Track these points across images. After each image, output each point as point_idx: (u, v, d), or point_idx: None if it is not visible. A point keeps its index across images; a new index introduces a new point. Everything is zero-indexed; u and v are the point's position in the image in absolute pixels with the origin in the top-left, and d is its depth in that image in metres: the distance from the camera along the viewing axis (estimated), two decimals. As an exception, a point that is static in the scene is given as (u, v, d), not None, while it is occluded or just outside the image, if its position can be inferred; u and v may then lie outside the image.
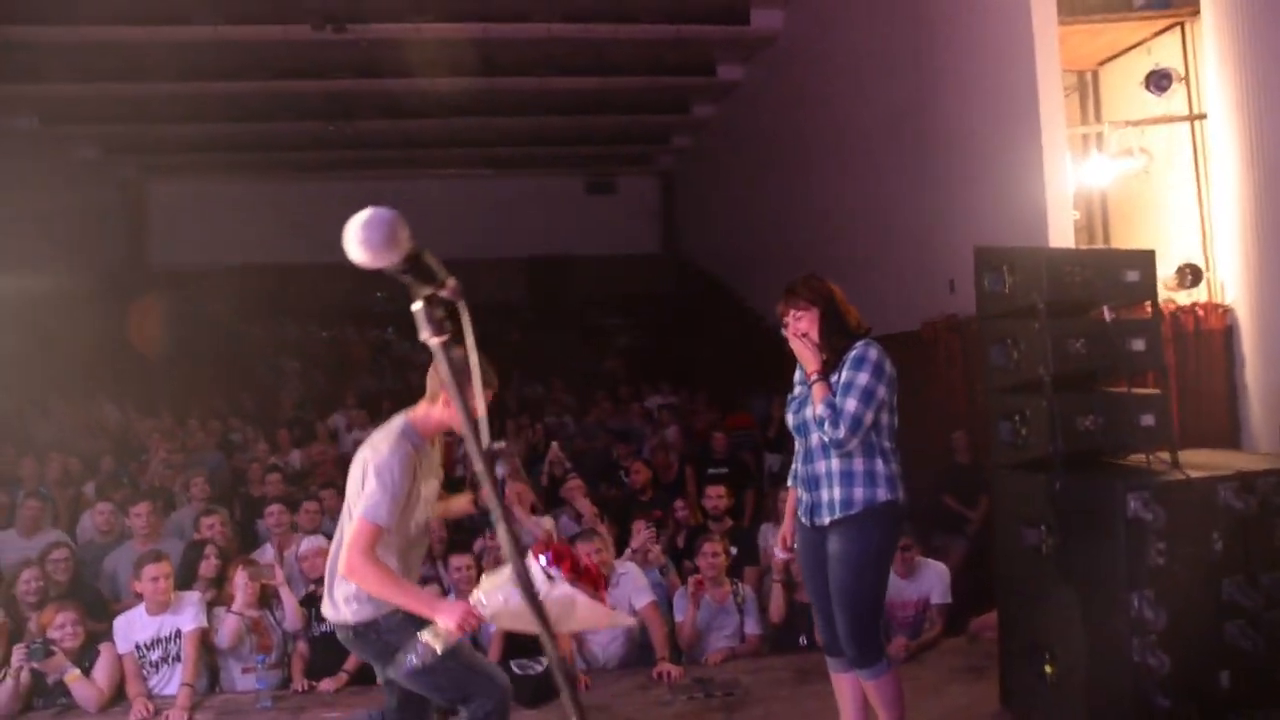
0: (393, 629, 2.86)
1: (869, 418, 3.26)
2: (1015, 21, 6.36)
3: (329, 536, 4.95)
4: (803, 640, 4.79)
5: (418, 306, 1.24)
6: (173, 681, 4.43)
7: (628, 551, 5.34)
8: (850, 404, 3.24)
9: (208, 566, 4.85)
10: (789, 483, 3.61)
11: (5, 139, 12.61)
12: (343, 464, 9.24)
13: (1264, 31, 5.38)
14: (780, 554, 3.79)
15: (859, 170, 9.59)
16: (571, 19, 11.00)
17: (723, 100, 14.09)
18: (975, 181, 7.06)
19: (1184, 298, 6.03)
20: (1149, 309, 4.03)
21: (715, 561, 4.82)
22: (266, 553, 5.47)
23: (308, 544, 4.97)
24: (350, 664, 4.48)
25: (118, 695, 4.42)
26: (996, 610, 4.14)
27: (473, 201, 16.95)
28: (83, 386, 11.92)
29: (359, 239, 1.21)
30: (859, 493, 3.26)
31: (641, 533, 5.29)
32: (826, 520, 3.30)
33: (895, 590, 4.94)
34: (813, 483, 3.37)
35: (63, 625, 4.35)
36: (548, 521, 3.28)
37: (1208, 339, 5.71)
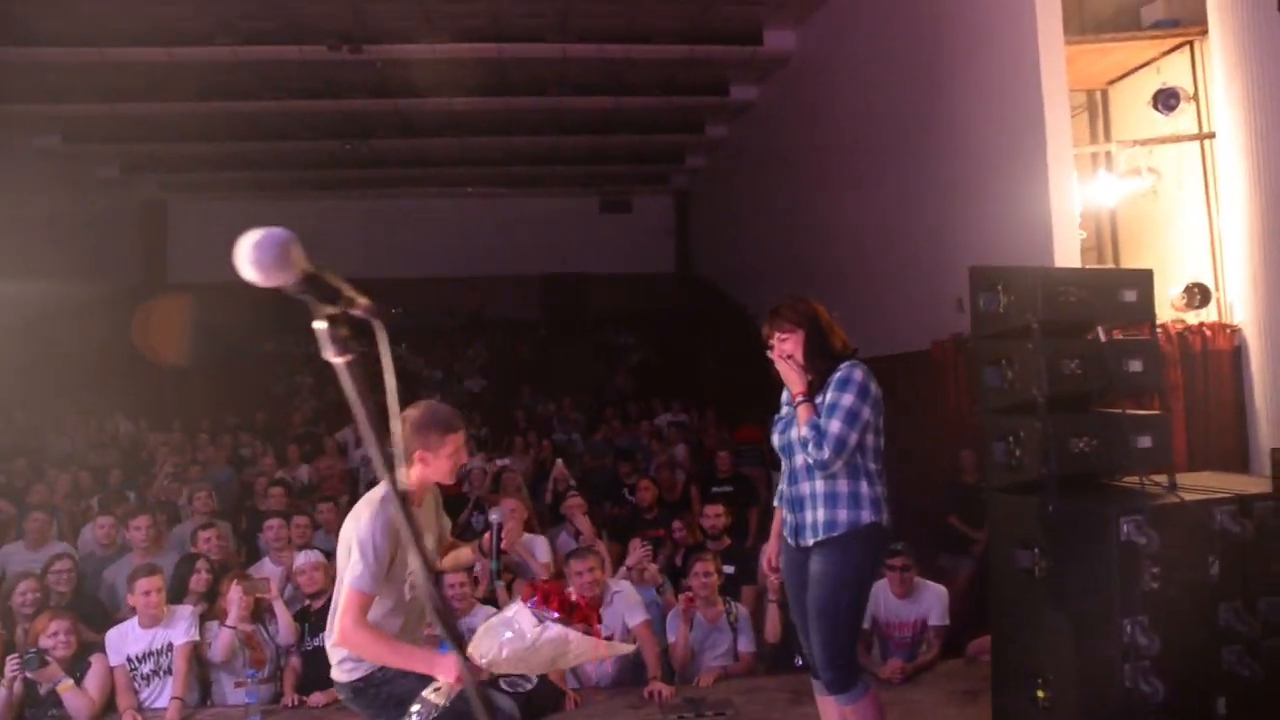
0: (389, 679, 2.86)
1: (853, 439, 3.23)
2: (1022, 41, 6.34)
3: (324, 551, 4.99)
4: (798, 661, 4.73)
5: (320, 325, 1.23)
6: (164, 695, 4.43)
7: (622, 569, 5.32)
8: (835, 426, 3.22)
9: (198, 581, 4.86)
10: (775, 503, 3.58)
11: (28, 157, 12.85)
12: (349, 479, 9.33)
13: (1273, 50, 5.34)
14: (768, 573, 3.73)
15: (870, 190, 9.57)
16: (585, 39, 11.09)
17: (736, 120, 14.14)
18: (982, 200, 7.03)
19: (1193, 318, 5.95)
20: (1147, 329, 3.97)
21: (708, 581, 4.78)
22: (265, 567, 5.48)
23: (303, 559, 4.97)
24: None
25: (108, 707, 4.42)
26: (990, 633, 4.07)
27: (487, 219, 17.06)
28: (98, 400, 12.08)
29: (249, 259, 1.20)
30: (843, 514, 3.23)
31: (637, 551, 5.26)
32: (810, 541, 3.27)
33: (893, 610, 4.90)
34: (797, 504, 3.34)
35: (55, 634, 4.37)
36: (495, 514, 3.24)
37: (1216, 359, 5.63)
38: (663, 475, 8.00)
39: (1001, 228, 6.56)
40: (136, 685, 4.47)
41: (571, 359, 15.76)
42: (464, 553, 3.33)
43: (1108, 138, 7.02)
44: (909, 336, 8.31)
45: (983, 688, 4.19)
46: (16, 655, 4.34)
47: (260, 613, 4.79)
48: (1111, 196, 6.41)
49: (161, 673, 4.49)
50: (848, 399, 3.24)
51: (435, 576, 1.29)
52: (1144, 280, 3.85)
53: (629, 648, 3.51)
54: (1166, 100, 6.12)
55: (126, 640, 4.49)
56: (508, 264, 16.89)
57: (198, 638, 4.56)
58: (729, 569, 5.32)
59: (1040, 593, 3.64)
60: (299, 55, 10.91)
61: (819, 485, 3.27)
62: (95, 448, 10.10)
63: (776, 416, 3.54)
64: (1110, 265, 6.78)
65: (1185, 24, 6.35)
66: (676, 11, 10.52)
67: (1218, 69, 5.78)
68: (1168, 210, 6.56)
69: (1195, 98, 6.34)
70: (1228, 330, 5.67)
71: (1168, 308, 6.10)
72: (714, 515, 5.69)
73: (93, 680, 4.45)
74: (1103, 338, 3.59)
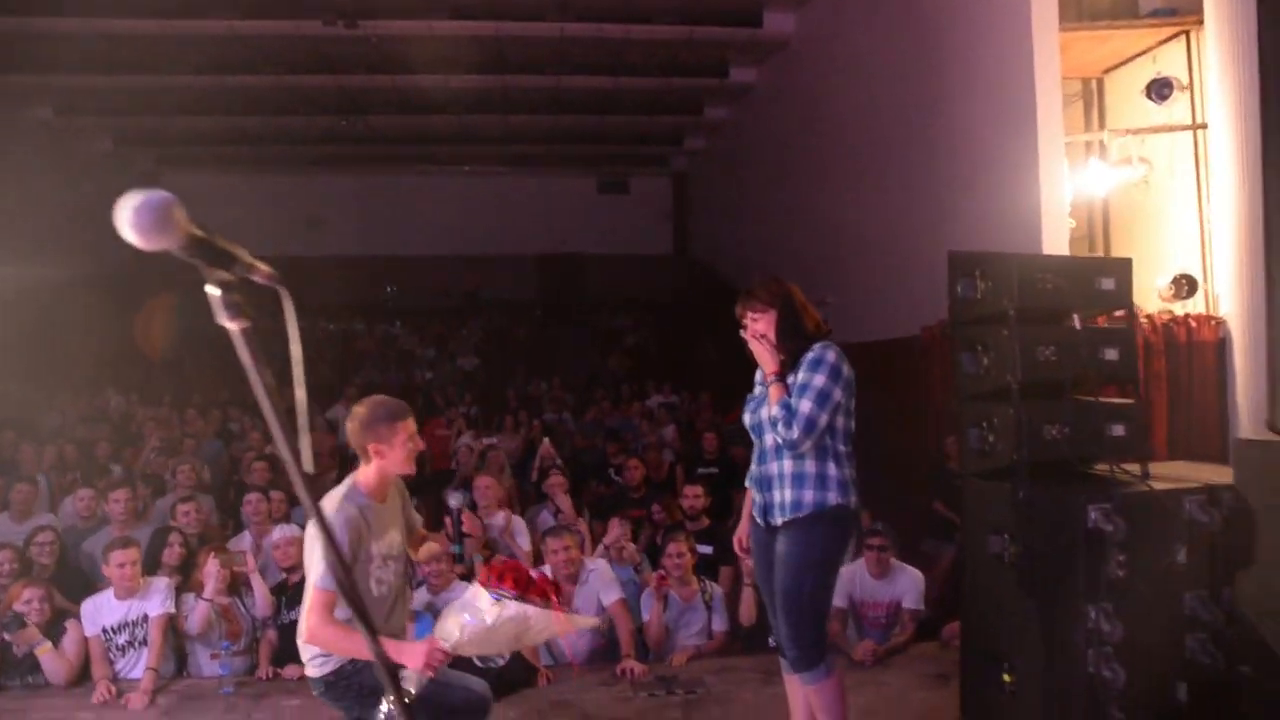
0: (359, 671, 2.90)
1: (823, 420, 3.22)
2: (1016, 28, 6.30)
3: (302, 526, 5.00)
4: (771, 641, 4.75)
5: (213, 291, 1.21)
6: (139, 665, 4.45)
7: (599, 548, 5.33)
8: (805, 406, 3.20)
9: (170, 554, 4.87)
10: (746, 483, 3.58)
11: (21, 129, 12.78)
12: (340, 454, 9.34)
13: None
14: (739, 554, 3.73)
15: (866, 174, 9.54)
16: (584, 18, 11.03)
17: (735, 103, 14.07)
18: (975, 187, 7.00)
19: (1180, 309, 5.94)
20: (1125, 318, 3.95)
21: (681, 561, 4.80)
22: (245, 540, 5.50)
23: (278, 533, 4.98)
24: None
25: (83, 675, 4.45)
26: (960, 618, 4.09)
27: (484, 199, 17.01)
28: (92, 375, 12.07)
29: (129, 222, 1.17)
30: (809, 495, 3.22)
31: (615, 529, 5.27)
32: (778, 521, 3.27)
33: (868, 590, 4.92)
34: (766, 483, 3.34)
35: (29, 601, 4.40)
36: (453, 499, 3.27)
37: (1200, 351, 5.61)
38: (650, 456, 8.01)
39: (991, 215, 6.53)
40: (112, 656, 4.49)
41: (566, 340, 15.77)
42: (433, 546, 3.34)
43: (1102, 126, 6.98)
44: (900, 322, 8.31)
45: (954, 671, 4.21)
46: None
47: (237, 586, 4.81)
48: (1103, 186, 6.38)
49: (137, 644, 4.51)
50: (819, 380, 3.23)
51: (347, 571, 1.27)
52: (1122, 268, 3.84)
53: (592, 620, 3.53)
54: (1160, 90, 6.09)
55: (101, 611, 4.50)
56: (504, 244, 16.86)
57: (173, 610, 4.57)
58: (707, 549, 5.33)
59: (1010, 578, 3.65)
60: (295, 30, 10.85)
61: (787, 465, 3.27)
62: (85, 421, 10.10)
63: (749, 396, 3.53)
64: (1100, 255, 6.75)
65: (1183, 13, 6.30)
66: (676, -9, 10.47)
67: (1212, 59, 5.73)
68: (1159, 200, 6.53)
69: (1190, 87, 6.30)
70: (1213, 322, 5.66)
71: (1155, 298, 6.09)
72: (693, 496, 5.70)
73: (69, 645, 4.50)
74: (1077, 325, 3.56)
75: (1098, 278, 3.75)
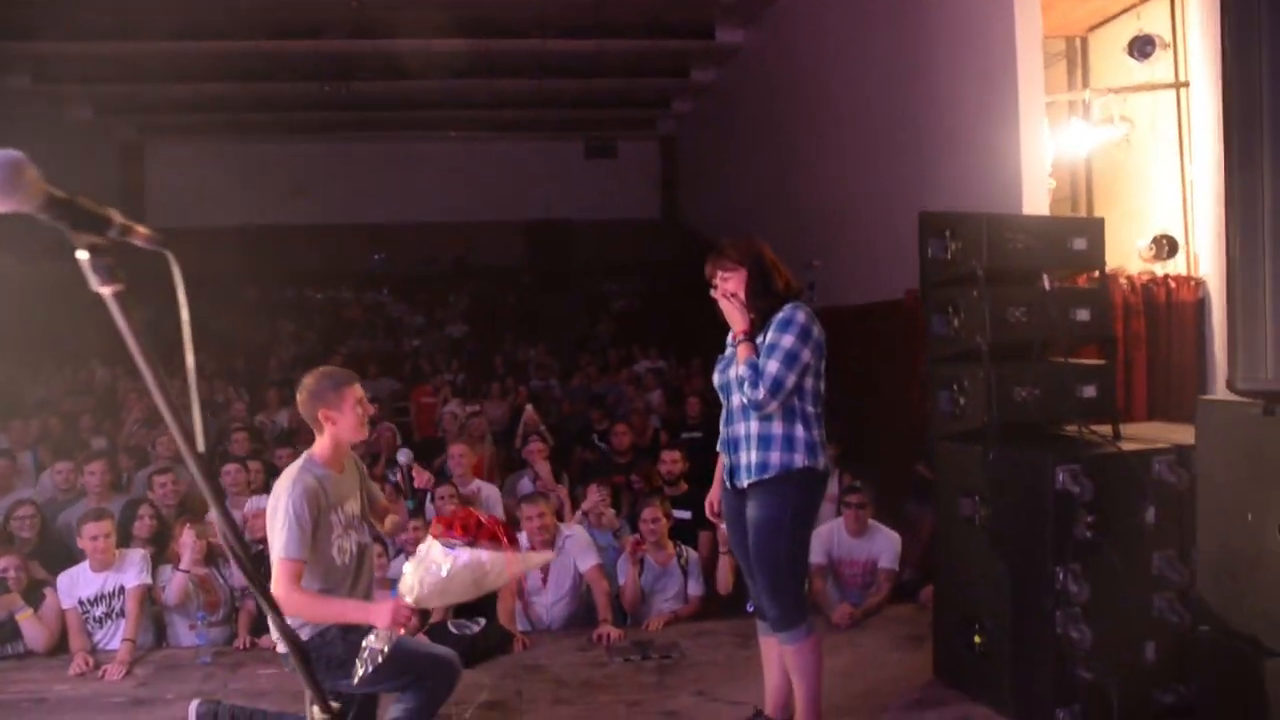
0: (330, 642, 2.94)
1: (791, 381, 3.19)
2: (998, -15, 6.20)
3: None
4: (750, 606, 4.77)
5: (82, 255, 1.17)
6: (116, 637, 4.45)
7: (577, 514, 5.34)
8: (772, 366, 3.17)
9: (141, 526, 4.86)
10: (718, 448, 3.56)
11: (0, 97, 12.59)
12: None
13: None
14: (710, 519, 3.73)
15: (851, 136, 9.45)
16: (567, -21, 10.85)
17: (723, 65, 13.90)
18: (957, 149, 6.93)
19: (1161, 270, 5.91)
20: (1098, 278, 3.93)
21: (655, 527, 4.81)
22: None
23: (252, 504, 4.98)
24: (295, 622, 4.50)
25: (62, 643, 4.46)
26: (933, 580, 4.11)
27: (471, 164, 16.83)
28: (77, 348, 11.99)
29: None
30: (775, 457, 3.20)
31: (593, 495, 5.27)
32: (744, 483, 3.26)
33: (845, 549, 4.95)
34: (732, 445, 3.33)
35: (4, 570, 4.42)
36: (402, 455, 3.33)
37: (1179, 311, 5.59)
38: (635, 421, 8.01)
39: (973, 177, 6.48)
40: (90, 628, 4.50)
41: (555, 306, 15.69)
42: (395, 518, 3.36)
43: (1086, 85, 6.90)
44: (885, 285, 8.27)
45: (929, 633, 4.23)
46: None
47: (215, 556, 4.80)
48: (1084, 146, 6.31)
49: (114, 615, 4.51)
50: (787, 340, 3.20)
51: (236, 532, 1.25)
52: (1095, 228, 3.82)
53: (546, 556, 3.54)
54: (1142, 47, 6.00)
55: (78, 584, 4.50)
56: (492, 210, 16.70)
57: (149, 581, 4.58)
58: (685, 514, 5.33)
59: (980, 540, 3.66)
60: (274, -7, 10.66)
61: (753, 426, 3.24)
62: (70, 394, 10.07)
63: (719, 356, 3.50)
64: (1078, 215, 6.70)
65: (1166, -32, 6.20)
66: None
67: (1194, 16, 5.66)
68: (1141, 160, 6.47)
69: (1174, 45, 6.22)
70: (1192, 282, 5.64)
71: (1137, 259, 6.06)
72: (670, 461, 5.70)
73: (48, 613, 4.52)
74: (1047, 285, 3.54)
75: (1070, 238, 3.73)
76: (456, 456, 5.55)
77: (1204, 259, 5.65)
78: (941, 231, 3.77)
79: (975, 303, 3.59)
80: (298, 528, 2.84)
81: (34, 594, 4.56)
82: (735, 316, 3.33)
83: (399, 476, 3.28)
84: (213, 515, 5.14)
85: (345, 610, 2.95)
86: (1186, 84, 5.99)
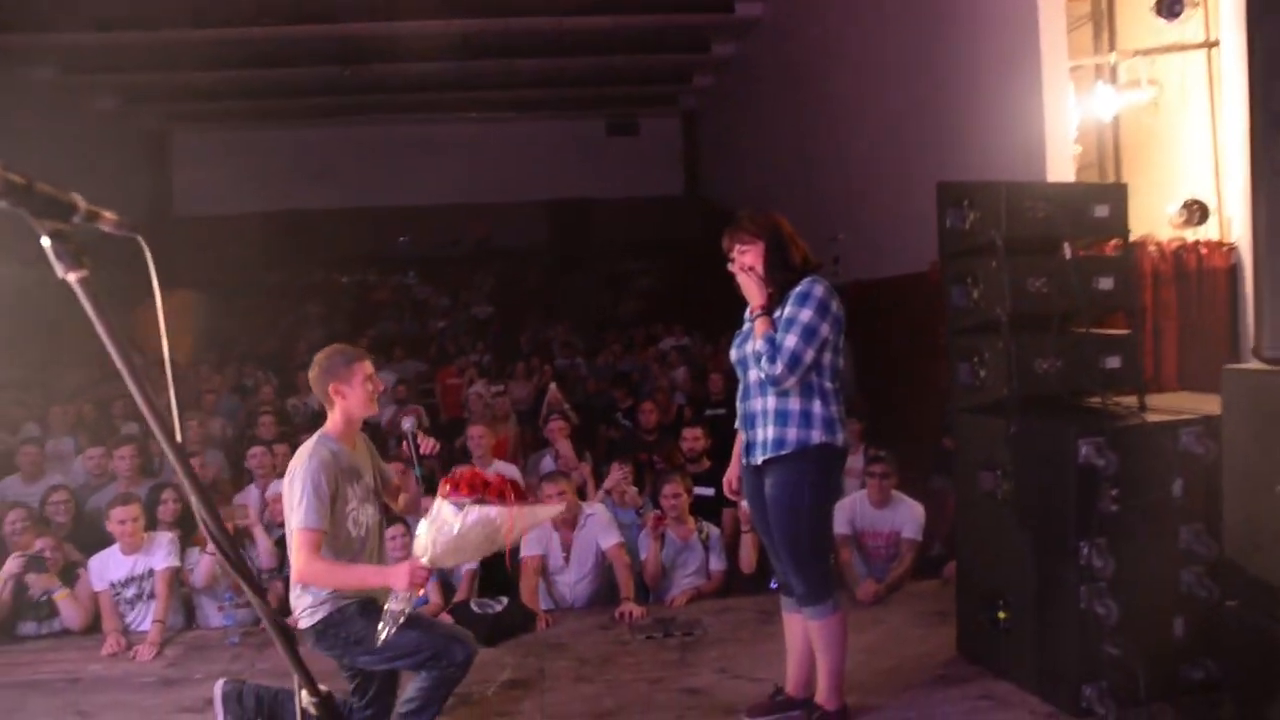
0: (346, 621, 3.02)
1: (809, 356, 3.14)
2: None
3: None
4: (773, 583, 4.76)
5: (45, 242, 1.16)
6: (147, 618, 4.53)
7: (599, 492, 5.34)
8: (790, 340, 3.13)
9: (165, 510, 4.93)
10: (736, 424, 3.53)
11: (25, 89, 12.71)
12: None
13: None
14: (728, 496, 3.70)
15: (873, 107, 9.31)
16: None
17: (743, 38, 13.73)
18: (978, 116, 6.80)
19: (1192, 236, 5.77)
20: (1121, 246, 3.84)
21: (676, 501, 4.80)
22: (250, 494, 5.56)
23: (274, 488, 5.02)
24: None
25: (95, 627, 4.55)
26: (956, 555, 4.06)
27: (493, 144, 16.80)
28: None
29: None
30: (792, 433, 3.17)
31: (615, 473, 5.27)
32: (760, 460, 3.23)
33: (868, 520, 4.93)
34: (749, 420, 3.30)
35: (41, 550, 4.54)
36: (406, 423, 3.39)
37: (1211, 278, 5.46)
38: (659, 399, 7.99)
39: (995, 144, 6.35)
40: (122, 609, 4.58)
41: (579, 285, 15.68)
42: (410, 494, 3.40)
43: (1113, 48, 6.72)
44: (910, 258, 8.16)
45: (953, 609, 4.19)
46: (20, 554, 4.53)
47: (241, 539, 4.86)
48: (1109, 110, 6.16)
49: (145, 597, 4.59)
50: (806, 314, 3.15)
51: (215, 517, 1.24)
52: (1117, 194, 3.73)
53: (554, 508, 3.55)
54: (1170, 6, 5.82)
55: (109, 566, 4.58)
56: (514, 190, 16.69)
57: (178, 563, 4.64)
58: (708, 492, 5.31)
59: (1002, 515, 3.61)
60: (291, -22, 10.67)
61: (770, 402, 3.21)
62: (104, 381, 10.21)
63: (737, 331, 3.47)
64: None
65: (1196, -77, 6.02)
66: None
67: (1225, -29, 5.49)
68: (1171, 124, 6.30)
69: (1203, 4, 6.04)
70: (1224, 248, 5.50)
71: (1166, 225, 5.92)
72: (692, 438, 5.67)
73: (82, 593, 4.64)
74: (1068, 254, 3.46)
75: (1092, 204, 3.64)
76: (476, 438, 5.56)
77: (1237, 224, 5.51)
78: (960, 201, 3.70)
79: (994, 273, 3.52)
80: (315, 498, 2.92)
81: (69, 575, 4.71)
82: (752, 290, 3.29)
83: (405, 445, 3.30)
84: (240, 498, 5.23)
85: (364, 576, 3.06)
86: (1216, 44, 5.82)
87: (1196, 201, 5.72)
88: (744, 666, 3.91)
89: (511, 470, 5.61)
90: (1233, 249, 5.45)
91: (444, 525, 2.78)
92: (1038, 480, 3.45)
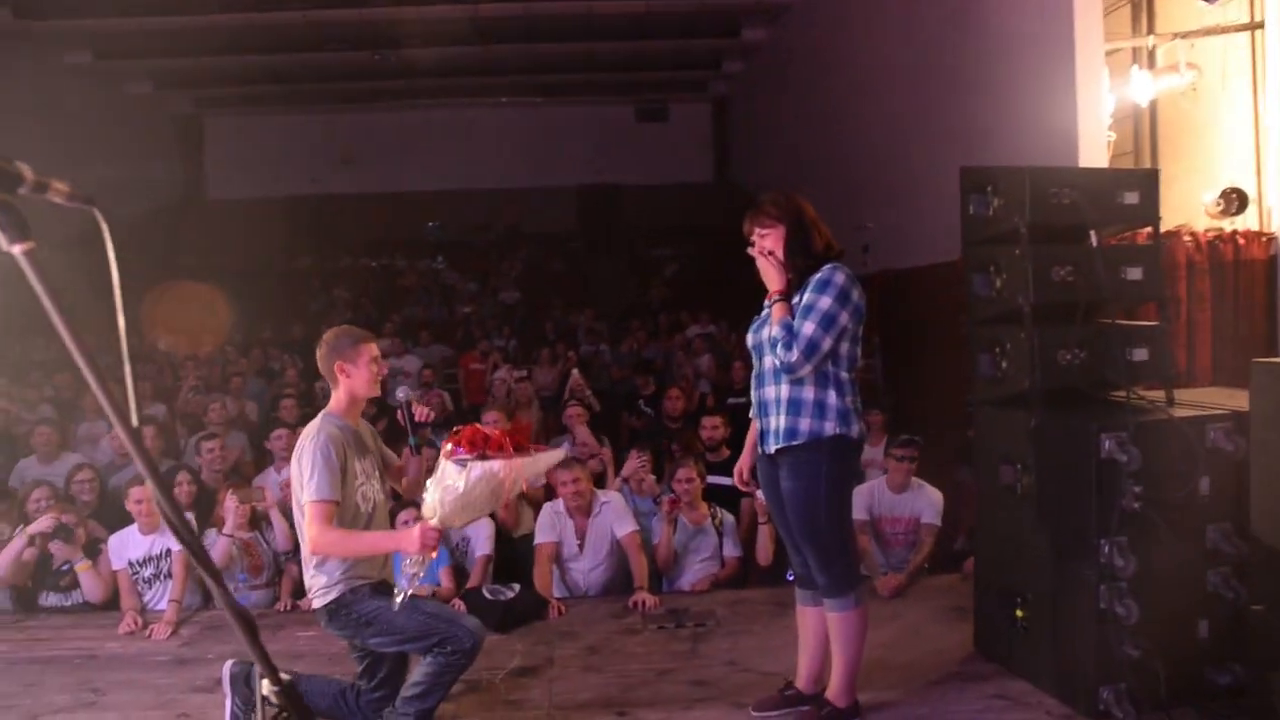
0: (359, 600, 3.07)
1: (826, 344, 3.06)
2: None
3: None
4: (790, 575, 4.70)
5: None
6: (165, 597, 4.56)
7: (617, 479, 5.30)
8: (808, 328, 3.05)
9: (180, 492, 4.95)
10: (751, 413, 3.46)
11: (59, 74, 12.86)
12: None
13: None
14: (738, 486, 3.64)
15: (904, 93, 9.15)
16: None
17: (773, 23, 13.58)
18: (1011, 102, 6.65)
19: (1229, 225, 5.61)
20: (1150, 235, 3.71)
21: (689, 487, 4.75)
22: (269, 476, 5.58)
23: (288, 471, 5.02)
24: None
25: (113, 603, 4.59)
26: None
27: (522, 130, 16.79)
28: (141, 316, 12.31)
29: None
30: (805, 424, 3.09)
31: (633, 461, 5.23)
32: (772, 449, 3.17)
33: (886, 505, 4.87)
34: (763, 408, 3.23)
35: (68, 522, 4.59)
36: (401, 393, 3.35)
37: (1248, 269, 5.31)
38: (683, 387, 7.94)
39: (1027, 131, 6.21)
40: (140, 588, 4.62)
41: (607, 271, 15.63)
42: (412, 476, 3.40)
43: (1151, 31, 6.54)
44: (939, 246, 8.03)
45: (973, 606, 4.11)
46: (53, 516, 4.61)
47: (258, 521, 4.88)
48: (1145, 95, 5.99)
49: (162, 576, 4.62)
50: (825, 301, 3.07)
51: (173, 503, 1.19)
52: (1147, 180, 3.60)
53: (557, 454, 3.52)
54: (1212, -13, 5.66)
55: (127, 545, 4.63)
56: (543, 176, 16.67)
57: (194, 544, 4.66)
58: (726, 481, 5.24)
59: (1022, 510, 3.52)
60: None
61: (784, 390, 3.13)
62: (135, 361, 10.33)
63: (755, 316, 3.39)
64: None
65: (1240, -99, 5.83)
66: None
67: (1270, -50, 5.31)
68: (1210, 110, 6.13)
69: (1248, -16, 5.86)
70: (1264, 238, 5.34)
71: (1203, 214, 5.76)
72: (711, 427, 5.61)
73: (104, 567, 4.70)
74: (1094, 242, 3.34)
75: (1120, 191, 3.52)
76: (490, 423, 5.53)
77: (1278, 214, 5.34)
78: (983, 187, 3.59)
79: (1018, 261, 3.42)
80: (327, 469, 2.97)
81: (92, 550, 4.76)
82: (771, 275, 3.22)
83: (399, 414, 3.31)
84: (259, 480, 5.24)
85: (376, 542, 3.13)
86: (1261, 25, 5.64)
87: (1235, 190, 5.57)
88: (755, 660, 3.86)
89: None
90: (1272, 239, 5.29)
91: (449, 484, 2.83)
92: (1058, 475, 3.36)
